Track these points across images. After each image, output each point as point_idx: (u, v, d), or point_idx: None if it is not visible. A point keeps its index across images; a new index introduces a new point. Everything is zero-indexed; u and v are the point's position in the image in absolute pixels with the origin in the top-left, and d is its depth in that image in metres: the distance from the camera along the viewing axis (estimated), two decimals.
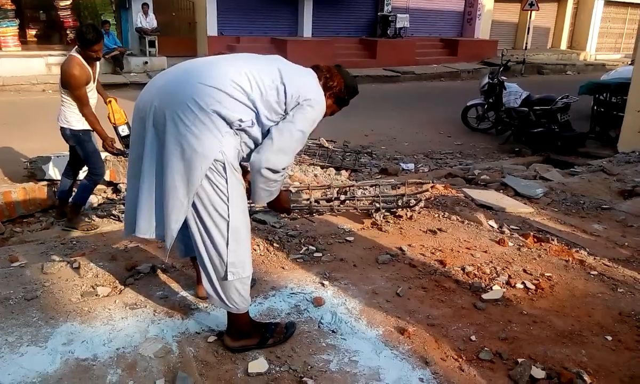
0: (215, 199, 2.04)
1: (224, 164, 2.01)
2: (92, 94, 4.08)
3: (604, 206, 4.42)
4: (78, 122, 4.03)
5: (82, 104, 3.97)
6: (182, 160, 1.98)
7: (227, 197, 2.04)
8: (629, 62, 14.11)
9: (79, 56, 3.92)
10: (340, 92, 2.33)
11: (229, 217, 2.06)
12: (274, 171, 2.13)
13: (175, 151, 1.99)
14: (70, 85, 3.90)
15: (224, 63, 2.12)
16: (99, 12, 13.48)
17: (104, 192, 5.32)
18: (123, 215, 4.42)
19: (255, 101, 2.06)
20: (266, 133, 2.12)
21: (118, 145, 4.32)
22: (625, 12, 24.18)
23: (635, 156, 6.36)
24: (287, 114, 2.12)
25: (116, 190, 5.38)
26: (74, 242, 3.50)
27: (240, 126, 2.04)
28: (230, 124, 2.02)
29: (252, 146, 2.13)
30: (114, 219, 4.60)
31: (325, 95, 2.26)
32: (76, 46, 3.96)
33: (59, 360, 2.15)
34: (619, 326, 2.58)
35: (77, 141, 4.11)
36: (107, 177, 5.43)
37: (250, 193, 2.24)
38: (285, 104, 2.11)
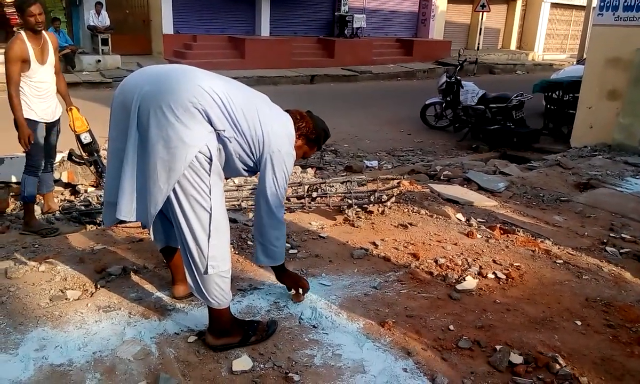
0: (199, 190, 2.05)
1: (209, 158, 2.03)
2: (42, 77, 3.89)
3: (563, 198, 4.60)
4: (25, 111, 3.87)
5: (10, 80, 3.73)
6: (167, 147, 1.99)
7: (209, 190, 2.07)
8: (575, 62, 14.74)
9: (23, 33, 3.79)
10: (309, 132, 2.47)
11: (211, 209, 2.07)
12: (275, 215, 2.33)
13: (160, 138, 1.99)
14: (5, 58, 3.73)
15: (221, 80, 2.18)
16: (49, 9, 12.95)
17: (62, 194, 5.12)
18: (85, 217, 4.33)
19: (238, 127, 2.13)
20: (240, 160, 2.21)
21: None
22: (570, 14, 25.24)
23: (587, 151, 6.66)
24: (262, 153, 2.22)
25: (75, 192, 5.20)
26: (36, 245, 3.34)
27: (221, 135, 2.09)
28: (214, 129, 2.07)
29: (224, 159, 2.17)
30: (74, 222, 4.44)
31: (296, 135, 2.40)
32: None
33: (32, 367, 2.06)
34: (587, 311, 2.69)
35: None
36: (64, 179, 5.24)
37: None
38: (261, 146, 2.22)
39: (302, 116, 2.48)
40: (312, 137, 2.49)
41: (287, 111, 2.45)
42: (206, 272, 2.10)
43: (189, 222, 2.06)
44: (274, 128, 2.24)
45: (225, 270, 2.15)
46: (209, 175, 2.05)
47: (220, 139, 2.10)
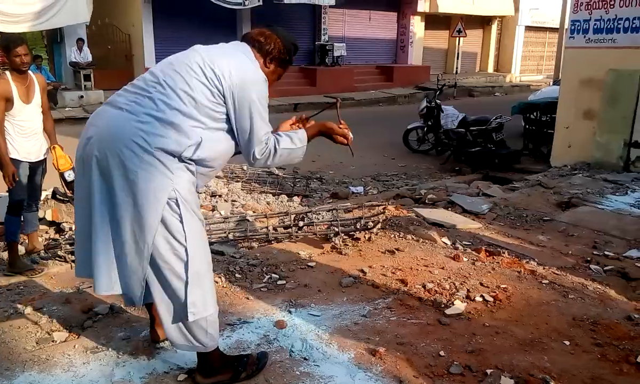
0: (172, 241, 1.97)
1: (176, 200, 1.95)
2: (26, 116, 3.87)
3: (546, 218, 4.67)
4: (8, 150, 3.85)
5: None
6: (134, 207, 1.91)
7: (185, 237, 1.98)
8: (551, 83, 15.08)
9: (7, 73, 3.82)
10: (280, 53, 2.21)
11: (187, 257, 1.99)
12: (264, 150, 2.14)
13: (127, 200, 1.92)
14: None
15: (152, 89, 2.00)
16: (30, 47, 12.95)
17: (47, 232, 5.07)
18: (70, 255, 4.28)
19: (195, 115, 1.97)
20: (222, 139, 2.06)
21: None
22: (545, 36, 25.89)
23: (567, 170, 6.78)
24: (227, 101, 2.02)
25: (59, 230, 5.14)
26: (21, 287, 3.31)
27: (191, 156, 1.96)
28: (179, 157, 1.95)
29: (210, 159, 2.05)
30: (59, 260, 4.38)
31: (265, 61, 2.19)
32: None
33: None
34: (575, 331, 2.72)
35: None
36: (49, 217, 5.19)
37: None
38: (221, 94, 2.01)
39: (267, 37, 2.19)
40: (284, 57, 2.24)
41: (244, 35, 2.23)
42: (187, 318, 2.01)
43: (163, 274, 1.99)
44: (233, 63, 2.04)
45: (208, 315, 2.06)
46: (182, 221, 1.96)
47: (190, 161, 1.98)
